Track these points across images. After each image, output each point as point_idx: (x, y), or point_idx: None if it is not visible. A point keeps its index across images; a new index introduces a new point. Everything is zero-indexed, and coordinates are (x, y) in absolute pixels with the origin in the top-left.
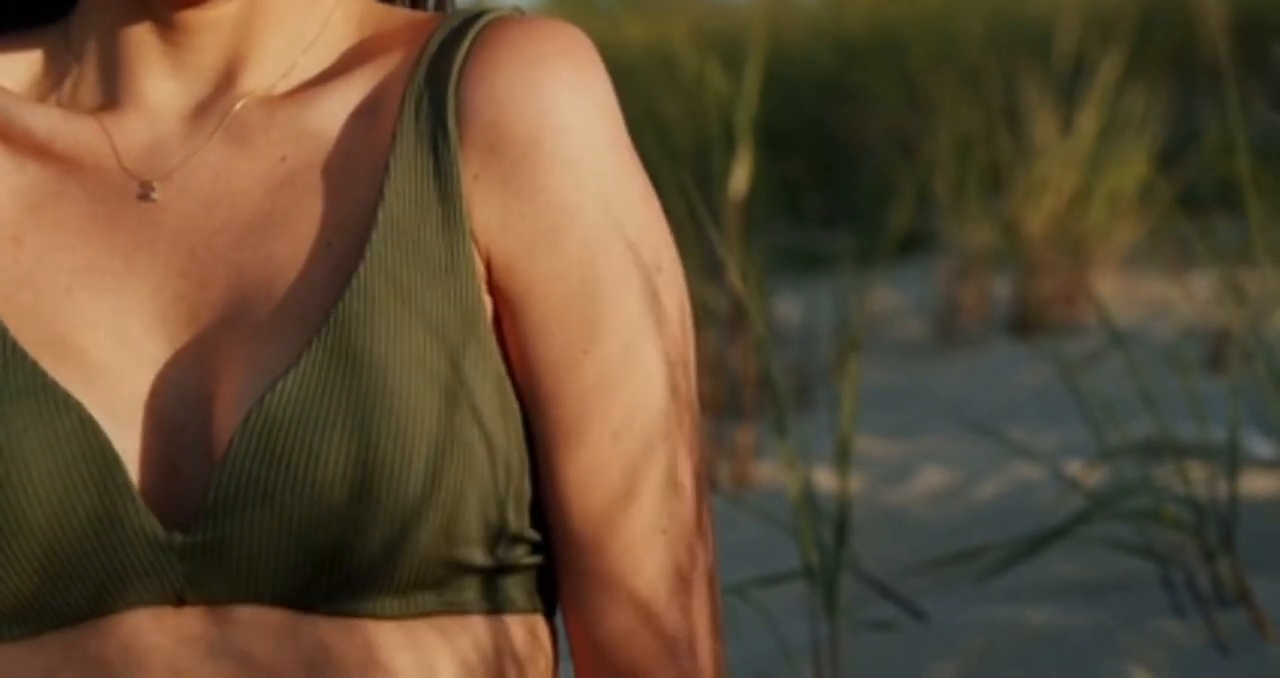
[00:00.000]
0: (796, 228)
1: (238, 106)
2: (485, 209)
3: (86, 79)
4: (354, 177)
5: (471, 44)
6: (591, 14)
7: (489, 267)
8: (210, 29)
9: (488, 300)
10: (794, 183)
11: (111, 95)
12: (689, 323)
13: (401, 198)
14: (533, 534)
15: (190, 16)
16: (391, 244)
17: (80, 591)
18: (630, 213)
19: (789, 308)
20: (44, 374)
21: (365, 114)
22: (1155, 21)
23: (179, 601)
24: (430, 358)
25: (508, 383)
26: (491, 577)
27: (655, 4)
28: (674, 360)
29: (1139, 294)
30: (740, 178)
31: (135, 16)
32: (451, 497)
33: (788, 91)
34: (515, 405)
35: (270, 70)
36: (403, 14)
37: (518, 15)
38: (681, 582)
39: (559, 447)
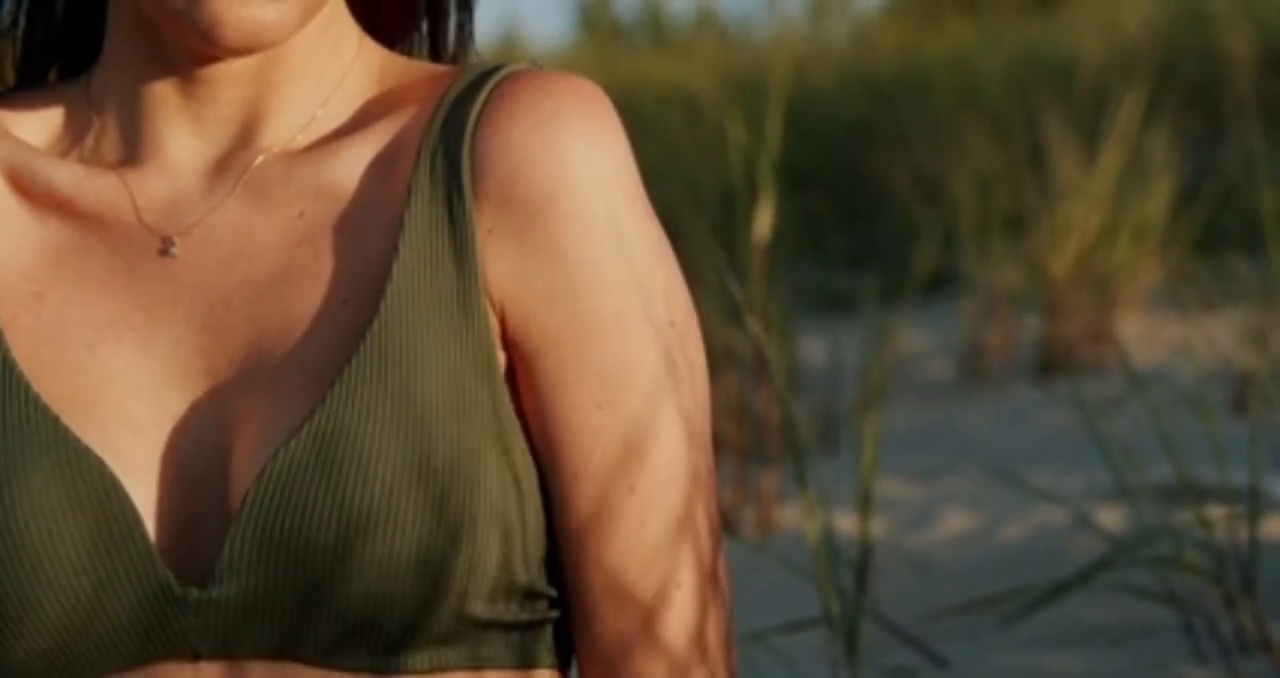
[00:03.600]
0: (821, 268)
1: (257, 162)
2: (499, 263)
3: (108, 134)
4: (370, 231)
5: (487, 98)
6: (620, 53)
7: (503, 320)
8: (230, 82)
9: (502, 354)
10: (819, 223)
11: (133, 150)
12: (704, 376)
13: (416, 252)
14: (550, 589)
15: (210, 70)
16: (405, 298)
17: (97, 645)
18: (645, 267)
19: (814, 348)
20: (65, 429)
21: (382, 168)
22: (1177, 60)
23: (195, 656)
24: (444, 412)
25: (522, 436)
26: (510, 632)
27: (684, 43)
28: (689, 414)
29: (1164, 335)
30: (763, 223)
31: (156, 70)
32: (470, 551)
33: (813, 132)
34: (530, 459)
35: (289, 124)
36: (422, 67)
37: (534, 69)
38: (698, 635)
39: (573, 500)
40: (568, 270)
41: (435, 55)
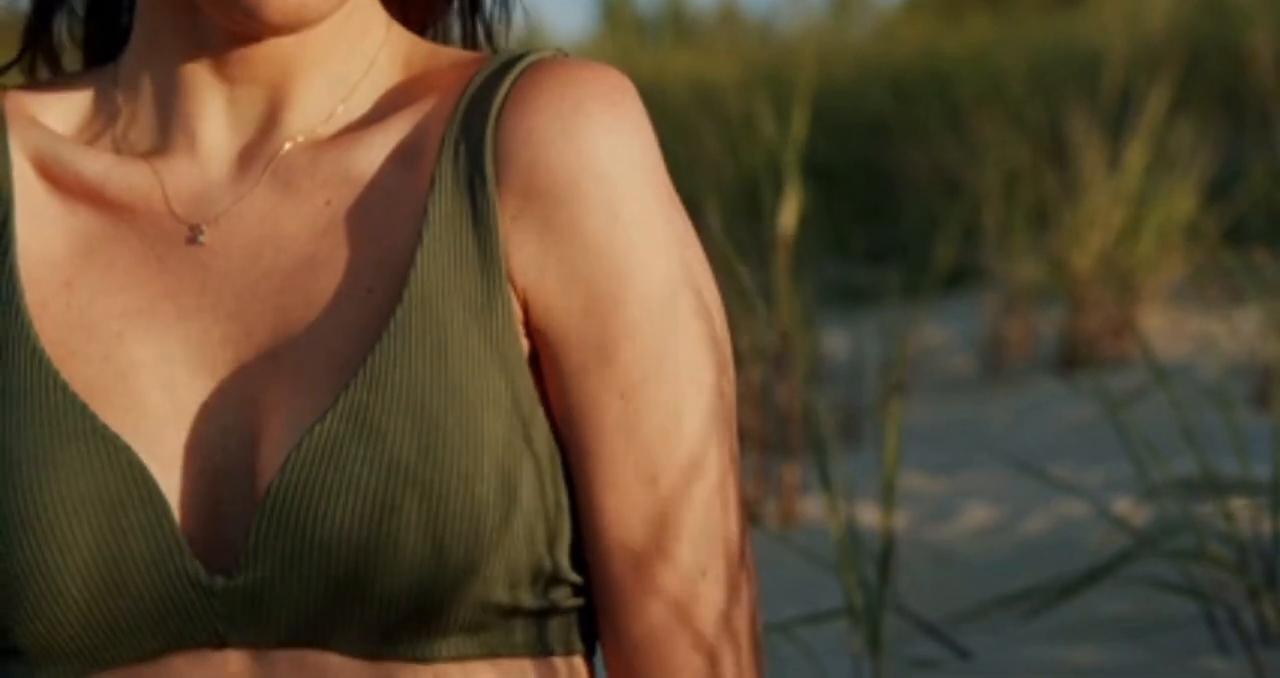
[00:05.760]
0: (843, 262)
1: (284, 150)
2: (522, 252)
3: (138, 120)
4: (394, 220)
5: (511, 86)
6: (641, 47)
7: (526, 308)
8: (261, 61)
9: (525, 342)
10: (841, 217)
11: (163, 135)
12: (729, 364)
13: (439, 241)
14: (574, 576)
15: (243, 49)
16: (429, 288)
17: (124, 634)
18: (668, 256)
19: (836, 343)
20: (94, 417)
21: (407, 157)
22: (1203, 56)
23: (221, 644)
24: (468, 399)
25: (546, 424)
26: (535, 619)
27: (707, 38)
28: (713, 402)
29: (1187, 329)
30: (789, 216)
31: (189, 50)
32: (494, 538)
33: (835, 127)
34: (554, 446)
35: (315, 110)
36: (449, 53)
37: (559, 57)
38: (723, 623)
39: (598, 489)
40: (590, 259)
41: (465, 41)
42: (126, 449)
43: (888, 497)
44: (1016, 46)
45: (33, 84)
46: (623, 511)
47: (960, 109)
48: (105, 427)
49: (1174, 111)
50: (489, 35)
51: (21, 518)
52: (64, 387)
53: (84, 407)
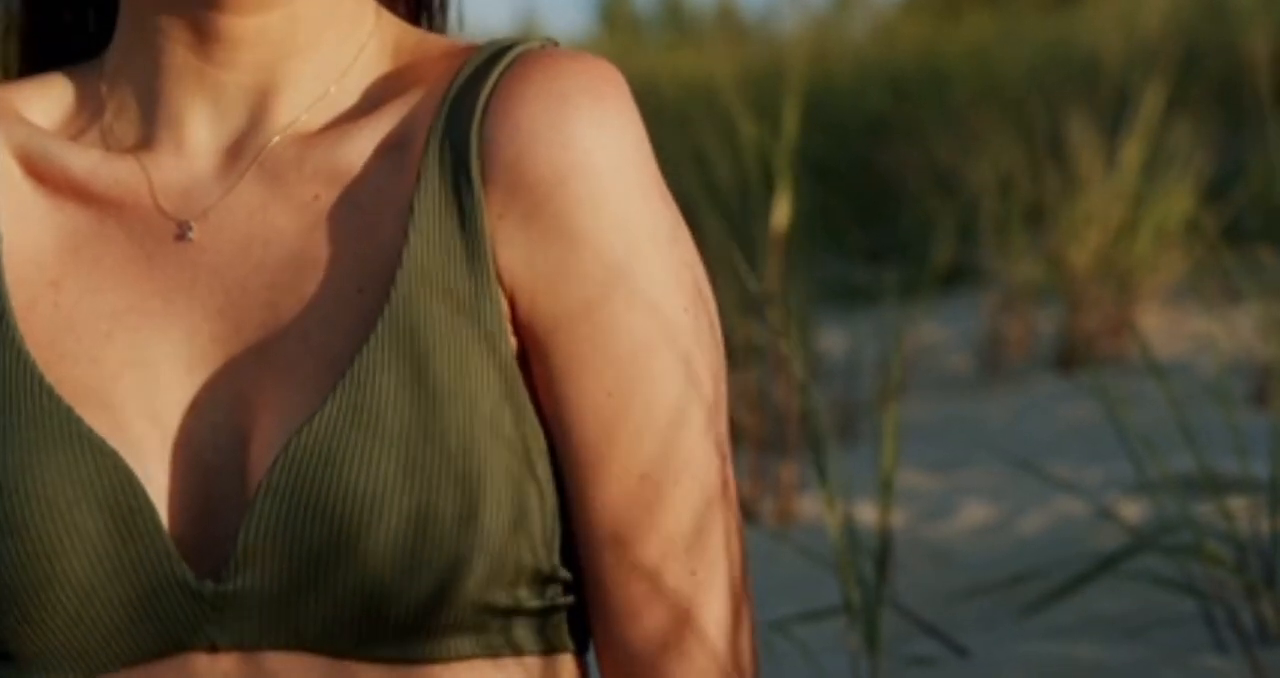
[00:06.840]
0: (841, 261)
1: (271, 143)
2: (509, 249)
3: (124, 113)
4: (382, 216)
5: (498, 78)
6: (639, 46)
7: (514, 305)
8: (247, 44)
9: (513, 339)
10: (839, 216)
11: (150, 127)
12: (720, 361)
13: (425, 239)
14: (565, 574)
15: (230, 29)
16: (416, 285)
17: (114, 638)
18: (657, 252)
19: (833, 341)
20: (79, 421)
21: (394, 150)
22: (1200, 55)
23: (213, 647)
24: (459, 398)
25: (536, 421)
26: (530, 618)
27: (704, 37)
28: (703, 400)
29: (1185, 328)
30: (780, 215)
31: (174, 34)
32: (485, 537)
33: (833, 126)
34: (544, 443)
35: (302, 100)
36: (437, 43)
37: (548, 48)
38: (717, 626)
39: (587, 487)
40: (577, 256)
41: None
42: (113, 454)
43: (885, 495)
44: (1014, 46)
45: (18, 83)
46: (612, 508)
47: (958, 108)
48: (91, 432)
49: (1171, 111)
50: (429, 18)
51: (9, 524)
52: (49, 391)
53: (69, 411)
